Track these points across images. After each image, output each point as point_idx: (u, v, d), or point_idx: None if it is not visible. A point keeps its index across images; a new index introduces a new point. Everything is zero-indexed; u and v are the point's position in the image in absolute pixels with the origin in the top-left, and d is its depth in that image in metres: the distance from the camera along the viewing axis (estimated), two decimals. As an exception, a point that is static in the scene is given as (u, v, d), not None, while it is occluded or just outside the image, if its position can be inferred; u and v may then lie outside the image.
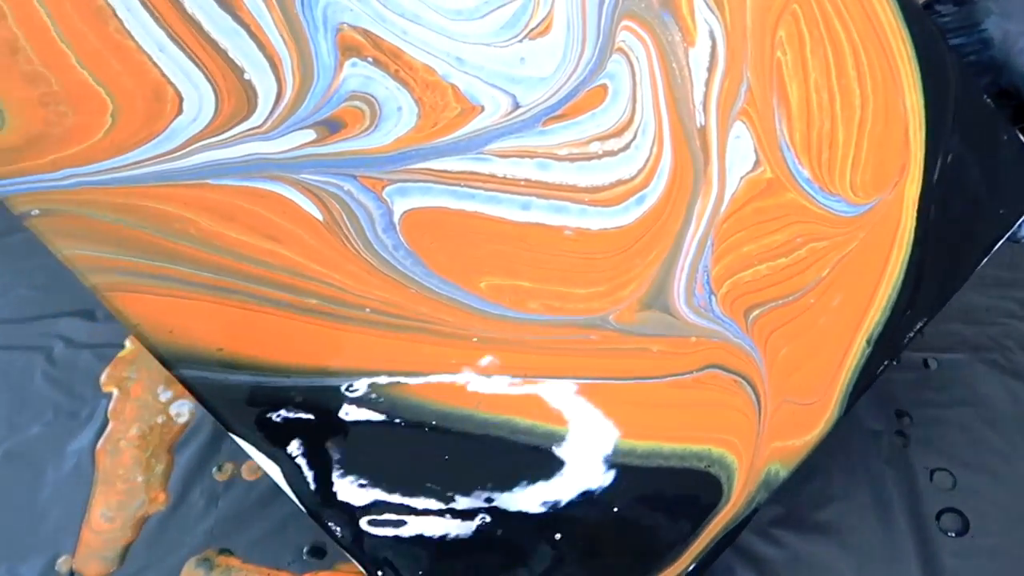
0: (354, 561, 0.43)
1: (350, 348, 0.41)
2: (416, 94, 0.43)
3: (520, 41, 0.45)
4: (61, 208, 0.36)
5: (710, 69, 0.48)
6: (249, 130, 0.39)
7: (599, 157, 0.46)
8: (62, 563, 0.58)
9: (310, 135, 0.40)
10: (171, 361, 0.38)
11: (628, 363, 0.47)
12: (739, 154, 0.49)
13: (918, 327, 0.54)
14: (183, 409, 0.66)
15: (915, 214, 0.53)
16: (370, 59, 0.42)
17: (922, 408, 0.65)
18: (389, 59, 0.42)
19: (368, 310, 0.41)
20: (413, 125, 0.43)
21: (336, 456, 0.41)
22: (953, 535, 0.58)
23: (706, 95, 0.48)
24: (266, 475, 0.62)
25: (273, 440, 0.41)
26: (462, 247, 0.43)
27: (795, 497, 0.60)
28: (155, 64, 0.36)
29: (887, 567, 0.57)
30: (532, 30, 0.45)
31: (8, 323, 0.71)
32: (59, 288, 0.72)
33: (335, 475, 0.42)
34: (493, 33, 0.45)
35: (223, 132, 0.38)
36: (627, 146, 0.47)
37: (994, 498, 0.60)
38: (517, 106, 0.45)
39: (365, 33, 0.42)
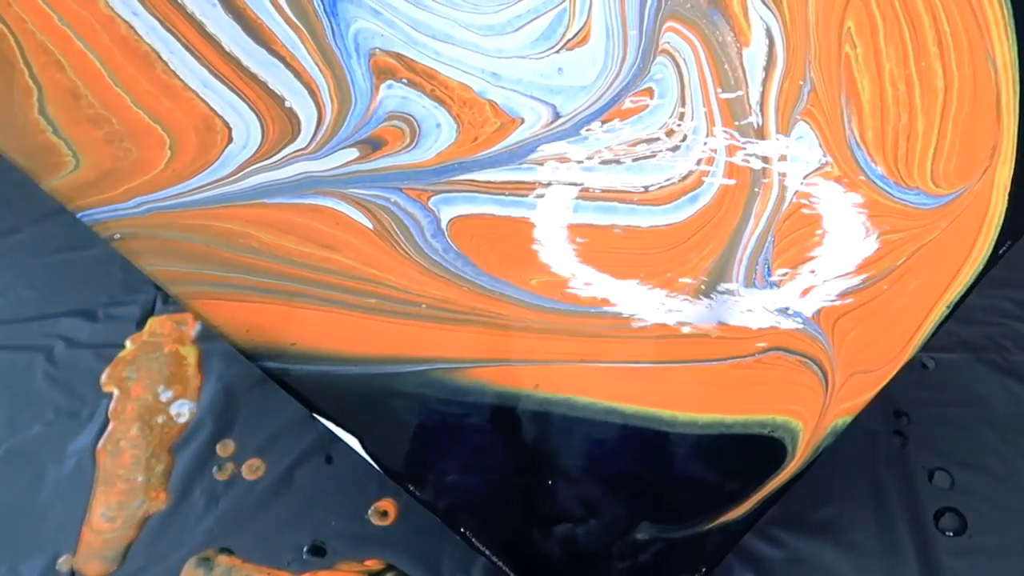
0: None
1: (410, 340, 0.43)
2: (454, 111, 0.44)
3: (557, 52, 0.44)
4: (138, 231, 0.40)
5: (767, 69, 0.46)
6: (296, 151, 0.42)
7: (646, 158, 0.46)
8: (63, 562, 0.58)
9: (353, 153, 0.43)
10: (252, 355, 0.42)
11: (686, 348, 0.47)
12: (802, 154, 0.47)
13: (1001, 252, 0.50)
14: (183, 409, 0.66)
15: (1007, 199, 0.49)
16: (405, 80, 0.43)
17: (920, 408, 0.65)
18: (424, 80, 0.43)
19: (424, 306, 0.44)
20: (453, 140, 0.44)
21: (409, 431, 0.44)
22: (951, 534, 0.58)
23: (763, 95, 0.46)
24: (266, 475, 0.62)
25: (351, 418, 0.44)
26: (511, 248, 0.45)
27: (794, 497, 0.60)
28: (202, 99, 0.40)
29: (885, 567, 0.57)
30: (569, 40, 0.45)
31: (9, 323, 0.72)
32: (60, 288, 0.72)
33: (409, 445, 0.44)
34: (528, 46, 0.44)
35: (272, 155, 0.41)
36: (676, 147, 0.46)
37: (992, 498, 0.60)
38: (558, 116, 0.45)
39: (398, 56, 0.43)
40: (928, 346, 0.69)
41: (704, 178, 0.46)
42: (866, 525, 0.59)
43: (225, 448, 0.64)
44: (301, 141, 0.42)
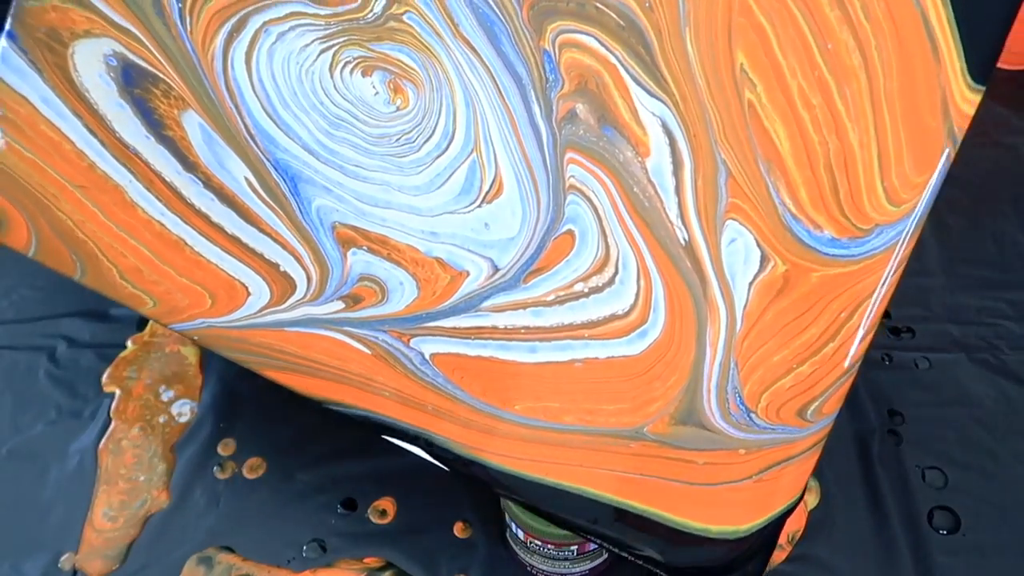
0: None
1: (425, 421, 0.50)
2: (410, 271, 0.48)
3: (479, 206, 0.46)
4: (204, 336, 0.53)
5: (676, 173, 0.42)
6: (298, 300, 0.51)
7: (586, 295, 0.45)
8: (65, 561, 0.59)
9: (340, 304, 0.50)
10: (317, 404, 0.52)
11: (674, 468, 0.45)
12: (740, 259, 0.42)
13: None
14: (184, 408, 0.67)
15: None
16: (364, 247, 0.49)
17: (914, 408, 0.66)
18: (379, 246, 0.49)
19: (431, 408, 0.49)
20: (416, 295, 0.48)
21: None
22: (945, 533, 0.59)
23: (681, 206, 0.42)
24: (266, 474, 0.63)
25: (405, 439, 0.51)
26: (489, 381, 0.48)
27: (789, 495, 0.60)
28: (222, 269, 0.52)
29: (879, 565, 0.58)
30: (487, 194, 0.46)
31: (12, 323, 0.72)
32: (62, 289, 0.73)
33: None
34: (453, 201, 0.47)
35: (282, 303, 0.51)
36: (611, 281, 0.44)
37: (985, 496, 0.61)
38: (496, 269, 0.46)
39: (354, 228, 0.49)
40: (922, 346, 0.70)
41: (648, 314, 0.44)
42: (860, 523, 0.59)
43: (226, 447, 0.64)
44: (299, 294, 0.51)
